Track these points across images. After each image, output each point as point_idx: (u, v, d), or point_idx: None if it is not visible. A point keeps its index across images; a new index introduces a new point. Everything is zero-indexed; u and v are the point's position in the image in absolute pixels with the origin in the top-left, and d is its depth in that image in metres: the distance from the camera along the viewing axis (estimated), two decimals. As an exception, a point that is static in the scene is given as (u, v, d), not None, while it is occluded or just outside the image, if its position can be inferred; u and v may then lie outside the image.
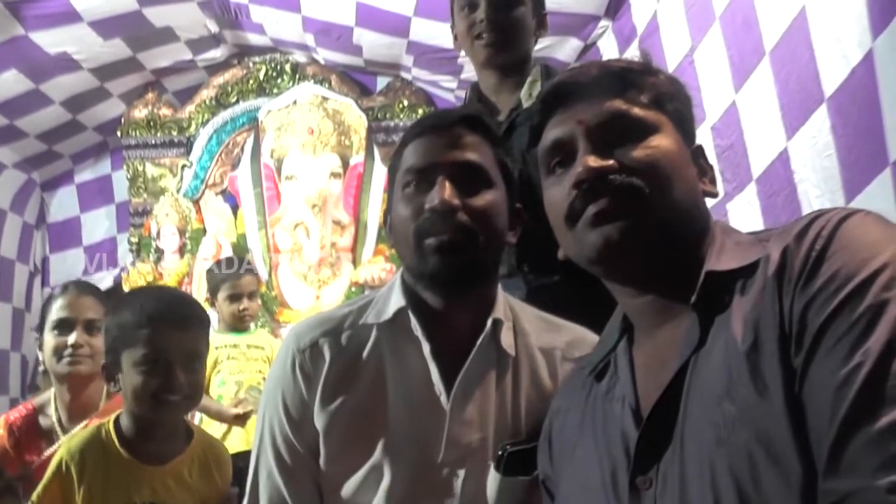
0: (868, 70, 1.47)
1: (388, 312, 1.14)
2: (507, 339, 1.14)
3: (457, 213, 1.06)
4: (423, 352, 1.11)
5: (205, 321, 1.50)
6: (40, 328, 2.05)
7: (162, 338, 1.38)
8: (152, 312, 1.40)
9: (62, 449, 1.43)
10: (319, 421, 1.12)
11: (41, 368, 2.19)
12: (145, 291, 1.62)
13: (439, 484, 1.09)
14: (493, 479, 1.05)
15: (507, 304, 1.19)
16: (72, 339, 1.93)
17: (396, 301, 1.14)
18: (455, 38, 1.80)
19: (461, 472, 1.09)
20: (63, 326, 1.96)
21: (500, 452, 1.05)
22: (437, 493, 1.09)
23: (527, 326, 1.18)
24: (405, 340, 1.13)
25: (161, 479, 1.40)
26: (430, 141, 1.13)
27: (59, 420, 1.96)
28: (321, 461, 1.13)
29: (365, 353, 1.14)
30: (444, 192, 1.06)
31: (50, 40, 3.29)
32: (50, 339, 1.97)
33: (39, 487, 1.40)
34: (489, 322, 1.12)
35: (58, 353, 1.94)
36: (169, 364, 1.38)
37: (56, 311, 1.98)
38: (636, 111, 0.84)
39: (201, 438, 1.51)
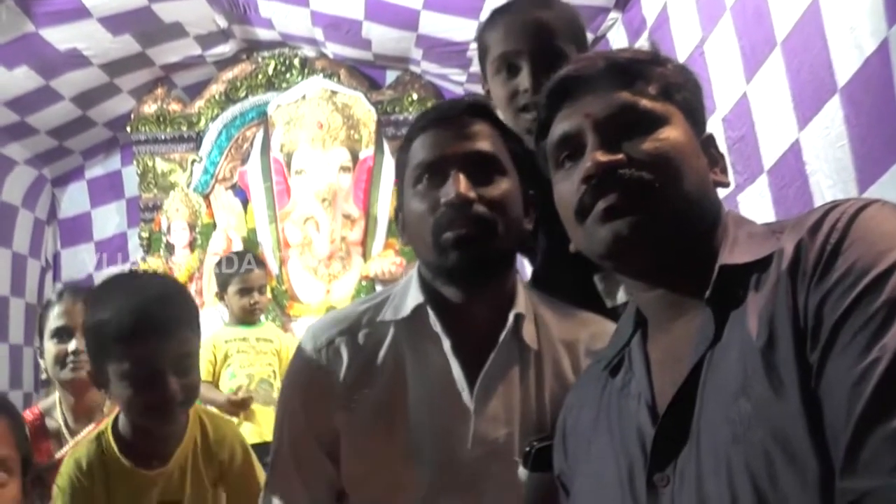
0: (882, 60, 1.45)
1: (406, 309, 1.13)
2: (529, 333, 1.12)
3: (473, 205, 1.05)
4: (442, 348, 1.10)
5: (191, 316, 1.37)
6: (40, 336, 2.06)
7: (146, 349, 1.26)
8: (131, 322, 1.26)
9: (68, 465, 1.37)
10: (339, 420, 1.11)
11: (43, 376, 2.20)
12: (121, 288, 1.38)
13: (466, 481, 1.08)
14: (520, 475, 1.05)
15: (528, 296, 1.17)
16: (72, 346, 1.93)
17: (414, 297, 1.13)
18: (487, 93, 1.51)
19: (488, 469, 1.08)
20: (62, 334, 1.96)
21: (527, 449, 1.03)
22: (465, 490, 1.08)
23: (548, 318, 1.16)
24: (424, 337, 1.11)
25: (167, 477, 1.36)
26: (437, 133, 1.11)
27: (66, 422, 1.97)
28: (342, 460, 1.12)
29: (383, 351, 1.13)
30: (460, 185, 1.05)
31: (60, 37, 3.29)
32: (50, 346, 1.97)
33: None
34: (511, 317, 1.11)
35: (59, 360, 1.95)
36: (158, 374, 1.27)
37: (54, 320, 1.99)
38: (644, 103, 0.83)
39: (195, 417, 1.43)
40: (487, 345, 1.10)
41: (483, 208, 1.06)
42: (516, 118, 1.42)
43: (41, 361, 2.06)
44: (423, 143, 1.12)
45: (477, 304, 1.12)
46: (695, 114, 0.87)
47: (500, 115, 1.41)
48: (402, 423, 1.09)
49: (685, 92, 0.86)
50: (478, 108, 1.15)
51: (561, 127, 0.87)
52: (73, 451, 1.40)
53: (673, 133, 0.82)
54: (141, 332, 1.26)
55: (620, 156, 0.81)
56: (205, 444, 1.41)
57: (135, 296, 1.32)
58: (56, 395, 2.02)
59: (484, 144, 1.10)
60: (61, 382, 1.97)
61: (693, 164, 0.83)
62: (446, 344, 1.10)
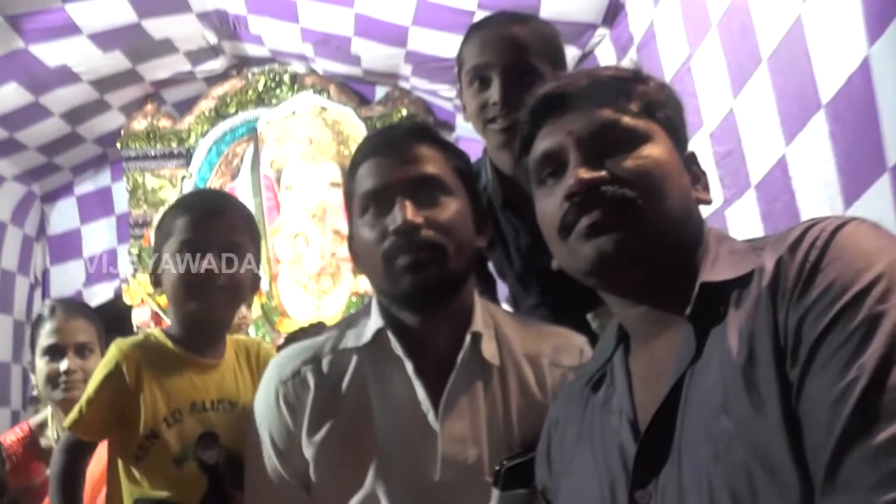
0: (865, 76, 1.47)
1: (367, 335, 1.13)
2: (489, 350, 1.12)
3: (421, 231, 1.05)
4: (406, 371, 1.10)
5: (248, 217, 1.50)
6: (31, 350, 1.99)
7: (200, 227, 1.39)
8: (192, 205, 1.45)
9: (114, 351, 1.35)
10: (308, 450, 1.11)
11: (34, 393, 2.14)
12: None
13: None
14: (493, 495, 1.04)
15: (488, 313, 1.17)
16: (63, 365, 1.89)
17: (375, 322, 1.13)
18: (463, 108, 1.56)
19: (460, 491, 1.07)
20: (54, 353, 1.91)
21: (497, 468, 1.03)
22: None
23: (510, 333, 1.16)
24: (387, 361, 1.11)
25: (222, 372, 1.40)
26: (380, 160, 1.12)
27: (58, 440, 1.94)
28: (313, 491, 1.11)
29: (347, 378, 1.12)
30: (406, 211, 1.05)
31: (50, 53, 3.28)
32: (42, 365, 1.92)
33: (85, 396, 1.32)
34: (468, 337, 1.11)
35: (51, 380, 1.90)
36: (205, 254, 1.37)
37: (45, 337, 1.93)
38: (626, 120, 0.84)
39: (233, 340, 1.52)
40: (449, 365, 1.10)
41: (431, 232, 1.06)
42: (485, 129, 1.48)
43: (32, 377, 2.00)
44: (367, 172, 1.12)
45: (435, 326, 1.12)
46: (677, 131, 0.87)
47: (472, 126, 1.49)
48: (371, 450, 1.09)
49: (667, 110, 0.87)
50: (419, 131, 1.16)
51: (543, 144, 0.87)
52: (121, 340, 1.40)
53: (655, 150, 0.83)
54: (196, 211, 1.40)
55: (603, 173, 0.81)
56: (248, 353, 1.50)
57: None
58: (48, 412, 1.98)
59: (428, 167, 1.10)
60: (53, 402, 1.93)
61: (675, 182, 0.83)
62: (409, 366, 1.10)
